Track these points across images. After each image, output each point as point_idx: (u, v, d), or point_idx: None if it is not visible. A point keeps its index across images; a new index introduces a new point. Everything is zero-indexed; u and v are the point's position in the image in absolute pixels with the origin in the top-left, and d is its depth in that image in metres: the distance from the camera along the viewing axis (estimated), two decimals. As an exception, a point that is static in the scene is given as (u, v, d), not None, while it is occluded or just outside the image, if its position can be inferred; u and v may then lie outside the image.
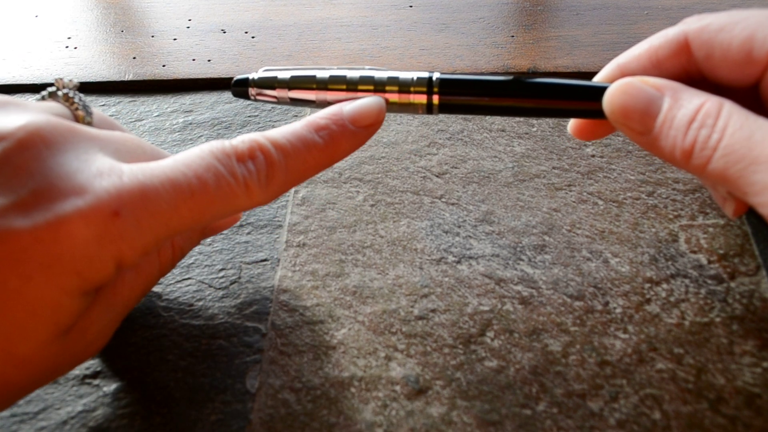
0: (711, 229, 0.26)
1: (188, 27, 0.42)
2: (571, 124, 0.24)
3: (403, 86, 0.21)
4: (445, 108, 0.22)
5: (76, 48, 0.40)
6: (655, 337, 0.22)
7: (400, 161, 0.31)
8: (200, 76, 0.36)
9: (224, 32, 0.41)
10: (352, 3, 0.44)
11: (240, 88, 0.22)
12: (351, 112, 0.21)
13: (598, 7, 0.42)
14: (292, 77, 0.22)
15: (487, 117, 0.33)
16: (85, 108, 0.21)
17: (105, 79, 0.36)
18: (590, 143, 0.31)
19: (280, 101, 0.22)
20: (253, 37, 0.40)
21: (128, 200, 0.17)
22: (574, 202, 0.28)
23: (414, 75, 0.21)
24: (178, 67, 0.37)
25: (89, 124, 0.21)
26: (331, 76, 0.22)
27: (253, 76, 0.22)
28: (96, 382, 0.21)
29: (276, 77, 0.22)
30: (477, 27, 0.41)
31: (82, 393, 0.21)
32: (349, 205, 0.28)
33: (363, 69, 0.22)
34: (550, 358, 0.21)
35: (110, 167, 0.18)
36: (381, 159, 0.31)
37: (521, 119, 0.33)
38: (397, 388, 0.21)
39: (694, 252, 0.25)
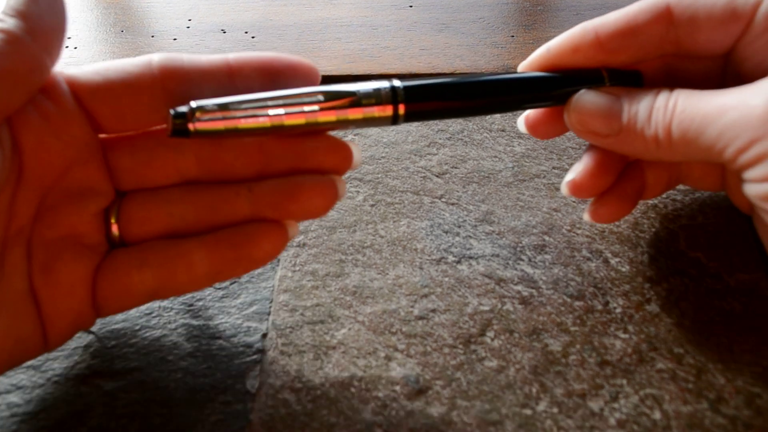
0: (711, 229, 0.26)
1: (188, 27, 0.42)
2: (526, 122, 0.25)
3: (367, 99, 0.20)
4: (410, 117, 0.21)
5: (76, 48, 0.40)
6: (655, 336, 0.22)
7: (400, 161, 0.31)
8: (200, 76, 0.36)
9: (224, 32, 0.41)
10: (352, 3, 0.44)
11: (181, 121, 0.18)
12: None
13: (598, 7, 0.42)
14: (239, 101, 0.19)
15: (487, 117, 0.33)
16: None
17: (105, 79, 0.36)
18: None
19: (226, 132, 0.19)
20: (253, 37, 0.40)
21: None
22: (574, 202, 0.28)
23: (370, 86, 0.20)
24: (178, 67, 0.37)
25: None
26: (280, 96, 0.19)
27: (194, 105, 0.19)
28: (96, 382, 0.21)
29: (224, 104, 0.19)
30: (477, 27, 0.41)
31: (82, 393, 0.21)
32: (349, 205, 0.28)
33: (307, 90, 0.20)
34: (550, 358, 0.21)
35: None
36: (381, 159, 0.31)
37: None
38: (397, 388, 0.21)
39: (694, 251, 0.25)
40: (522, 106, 0.23)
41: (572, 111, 0.23)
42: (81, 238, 0.20)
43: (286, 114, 0.19)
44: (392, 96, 0.20)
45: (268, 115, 0.19)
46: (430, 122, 0.33)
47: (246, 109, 0.19)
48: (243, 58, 0.20)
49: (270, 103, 0.19)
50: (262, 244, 0.20)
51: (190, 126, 0.18)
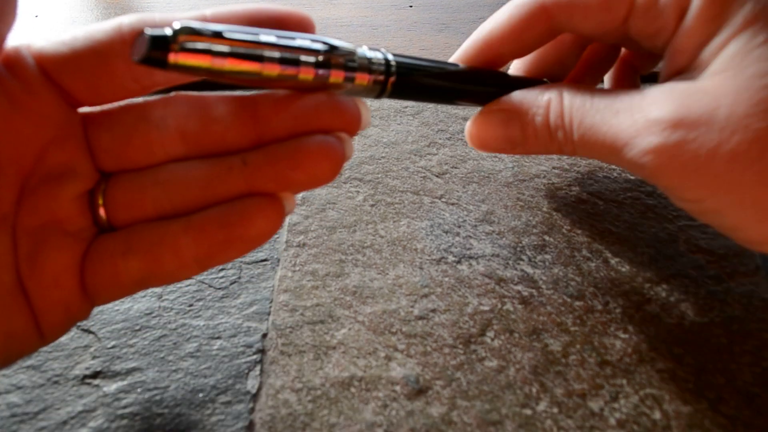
0: (710, 230, 0.26)
1: (188, 27, 0.42)
2: None
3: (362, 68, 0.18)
4: (395, 93, 0.20)
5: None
6: (655, 337, 0.22)
7: (400, 161, 0.31)
8: (200, 76, 0.36)
9: (224, 32, 0.41)
10: (352, 3, 0.44)
11: (158, 52, 0.14)
12: None
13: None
14: (235, 39, 0.16)
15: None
16: None
17: (105, 79, 0.36)
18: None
19: (212, 71, 0.16)
20: (252, 37, 0.40)
21: None
22: (574, 202, 0.28)
23: (364, 54, 0.18)
24: (178, 67, 0.37)
25: None
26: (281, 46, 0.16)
27: (177, 27, 0.15)
28: (96, 382, 0.21)
29: (211, 32, 0.15)
30: (477, 27, 0.41)
31: (82, 393, 0.21)
32: (349, 205, 0.28)
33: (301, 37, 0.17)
34: (550, 358, 0.21)
35: None
36: (381, 159, 0.31)
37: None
38: (397, 388, 0.21)
39: (693, 252, 0.25)
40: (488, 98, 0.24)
41: (472, 140, 0.24)
42: (64, 224, 0.18)
43: (280, 58, 0.16)
44: (385, 69, 0.19)
45: (262, 57, 0.16)
46: (430, 122, 0.33)
47: (240, 43, 0.15)
48: (222, 13, 0.18)
49: (267, 39, 0.16)
50: (256, 222, 0.17)
51: (171, 57, 0.14)
